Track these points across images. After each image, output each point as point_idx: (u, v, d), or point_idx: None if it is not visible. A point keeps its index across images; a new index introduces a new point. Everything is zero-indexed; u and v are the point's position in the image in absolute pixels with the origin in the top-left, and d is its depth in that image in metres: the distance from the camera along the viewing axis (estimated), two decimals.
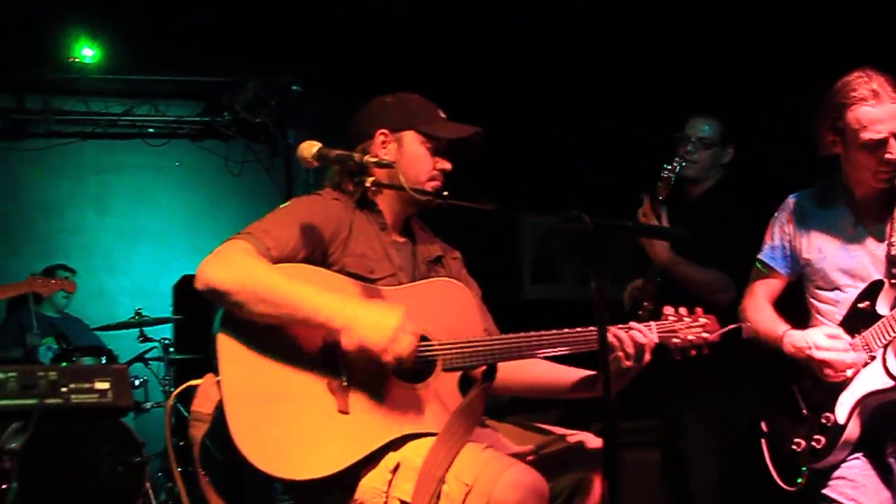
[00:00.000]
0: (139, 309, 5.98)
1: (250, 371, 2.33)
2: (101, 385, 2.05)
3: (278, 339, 2.36)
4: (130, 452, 5.22)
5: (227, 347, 2.34)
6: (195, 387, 2.36)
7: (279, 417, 2.31)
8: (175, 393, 2.44)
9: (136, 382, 5.79)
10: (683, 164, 3.95)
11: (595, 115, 6.40)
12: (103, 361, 5.37)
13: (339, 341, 2.32)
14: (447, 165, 2.69)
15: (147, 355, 6.08)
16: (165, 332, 6.41)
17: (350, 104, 2.89)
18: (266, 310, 2.31)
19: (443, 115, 2.74)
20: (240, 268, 2.33)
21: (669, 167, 3.91)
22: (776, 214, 3.24)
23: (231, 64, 6.75)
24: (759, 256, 3.26)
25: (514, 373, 2.70)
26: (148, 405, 5.85)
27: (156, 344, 6.07)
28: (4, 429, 5.08)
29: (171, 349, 6.03)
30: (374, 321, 2.31)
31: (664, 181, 3.90)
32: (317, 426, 2.33)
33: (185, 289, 7.12)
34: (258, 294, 2.30)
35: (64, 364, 4.79)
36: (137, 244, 7.45)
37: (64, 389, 1.99)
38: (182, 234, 7.48)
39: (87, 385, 2.04)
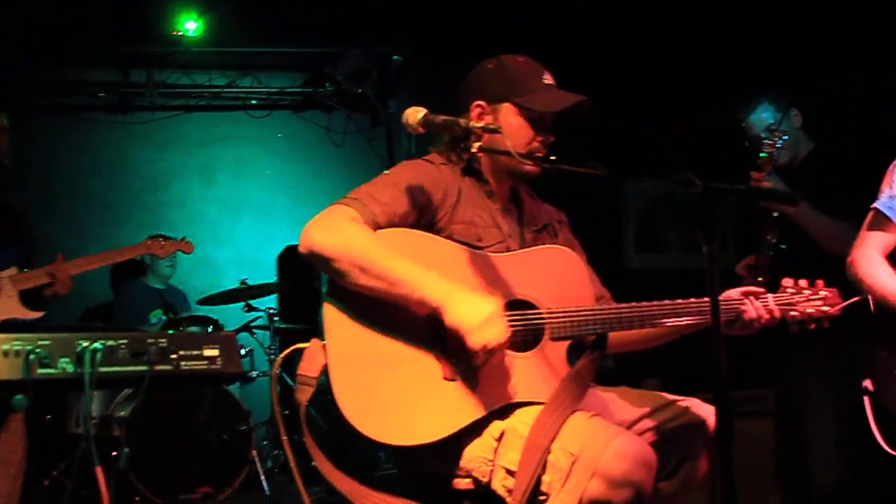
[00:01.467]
0: (244, 279, 6.08)
1: (356, 336, 2.35)
2: (210, 352, 2.07)
3: (384, 305, 2.36)
4: (236, 420, 5.37)
5: (334, 312, 2.37)
6: (302, 350, 2.40)
7: (384, 383, 2.32)
8: (283, 355, 2.47)
9: (242, 352, 5.93)
10: (775, 153, 3.84)
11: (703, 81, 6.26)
12: (209, 331, 5.53)
13: (440, 318, 2.32)
14: (549, 137, 2.64)
15: (252, 325, 6.20)
16: (270, 301, 6.51)
17: (451, 73, 2.86)
18: (365, 281, 2.32)
19: (548, 81, 2.66)
20: (343, 235, 2.33)
21: (767, 146, 3.81)
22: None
23: (332, 34, 6.76)
24: (876, 205, 3.11)
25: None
26: (253, 374, 5.96)
27: (261, 313, 6.17)
28: (113, 397, 5.27)
29: (276, 318, 6.12)
30: (467, 305, 2.29)
31: (765, 160, 3.80)
32: (422, 392, 2.33)
33: (288, 259, 7.25)
34: (359, 264, 2.31)
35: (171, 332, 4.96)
36: (242, 215, 7.56)
37: (173, 356, 2.01)
38: (285, 205, 7.56)
39: (196, 352, 2.05)
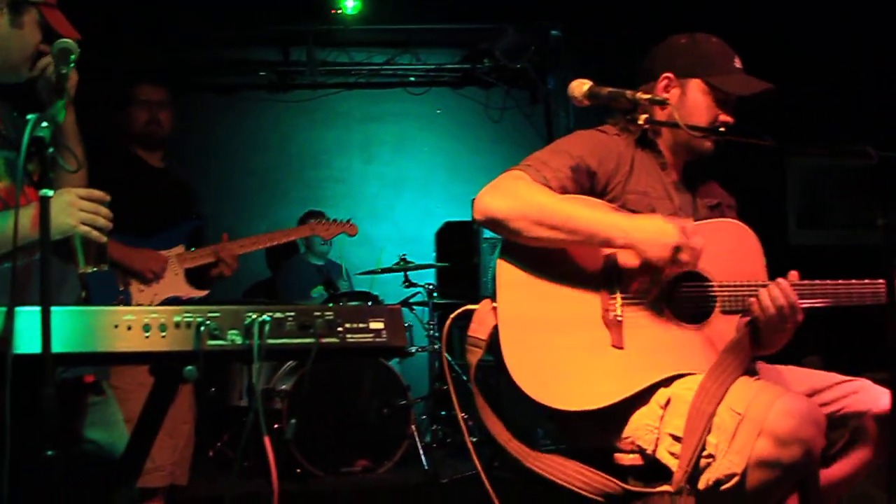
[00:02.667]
0: (403, 255, 6.12)
1: (527, 298, 2.38)
2: (376, 325, 2.06)
3: (556, 267, 2.39)
4: (396, 395, 5.42)
5: (505, 274, 2.40)
6: (472, 312, 2.43)
7: (553, 346, 2.34)
8: (454, 315, 2.48)
9: None
10: None
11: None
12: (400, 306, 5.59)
13: (618, 261, 2.34)
14: (729, 119, 2.60)
15: (411, 300, 6.25)
16: (428, 277, 6.55)
17: (610, 48, 2.81)
18: (545, 233, 2.33)
19: (738, 65, 2.62)
20: (517, 195, 2.36)
21: None
22: None
23: (490, 10, 6.71)
24: None
25: None
26: (413, 349, 6.01)
27: (420, 289, 6.21)
28: (275, 371, 5.41)
29: (435, 294, 6.15)
30: (656, 228, 2.31)
31: None
32: (590, 358, 2.35)
33: (447, 235, 7.27)
34: (536, 217, 2.33)
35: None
36: (401, 191, 7.63)
37: (339, 329, 2.01)
38: (443, 182, 7.59)
39: (361, 325, 2.05)
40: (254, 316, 1.95)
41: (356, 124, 7.66)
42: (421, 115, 7.70)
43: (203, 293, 4.08)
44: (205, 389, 5.45)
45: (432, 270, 6.69)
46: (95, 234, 2.18)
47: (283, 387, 5.21)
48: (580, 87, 2.45)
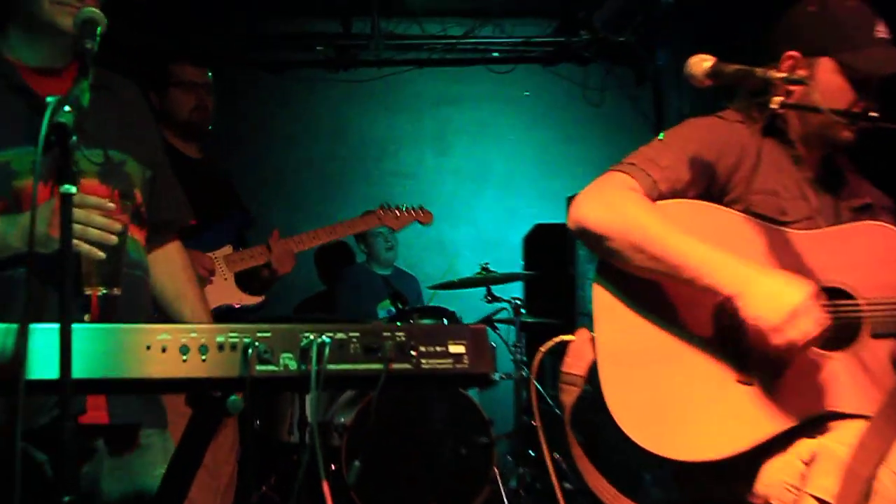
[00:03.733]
0: (485, 264, 6.08)
1: (631, 325, 2.38)
2: (456, 348, 2.04)
3: (666, 290, 2.38)
4: (476, 431, 5.37)
5: (604, 298, 2.41)
6: (566, 343, 2.44)
7: (665, 383, 2.33)
8: (545, 348, 2.49)
9: None
10: None
11: None
12: (445, 323, 5.57)
13: (734, 307, 2.27)
14: (871, 104, 2.51)
15: (494, 318, 6.21)
16: (515, 290, 6.52)
17: (731, 16, 2.74)
18: (644, 262, 2.33)
19: (881, 34, 2.52)
20: (618, 208, 2.35)
21: None
22: None
23: None
24: None
25: None
26: (497, 377, 5.96)
27: (504, 305, 6.18)
28: (332, 401, 5.41)
29: (523, 311, 6.10)
30: (770, 292, 2.22)
31: None
32: (711, 397, 2.32)
33: (537, 240, 7.23)
34: (637, 242, 2.32)
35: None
36: (482, 188, 7.64)
37: (413, 353, 1.99)
38: (532, 177, 7.59)
39: (439, 348, 2.02)
40: (311, 336, 1.93)
41: (429, 108, 7.69)
42: (506, 98, 7.72)
43: (258, 299, 4.12)
44: (249, 423, 5.48)
45: (519, 283, 6.64)
46: (86, 248, 2.17)
47: (343, 420, 5.20)
48: (700, 63, 2.39)
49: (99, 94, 2.05)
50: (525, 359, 5.95)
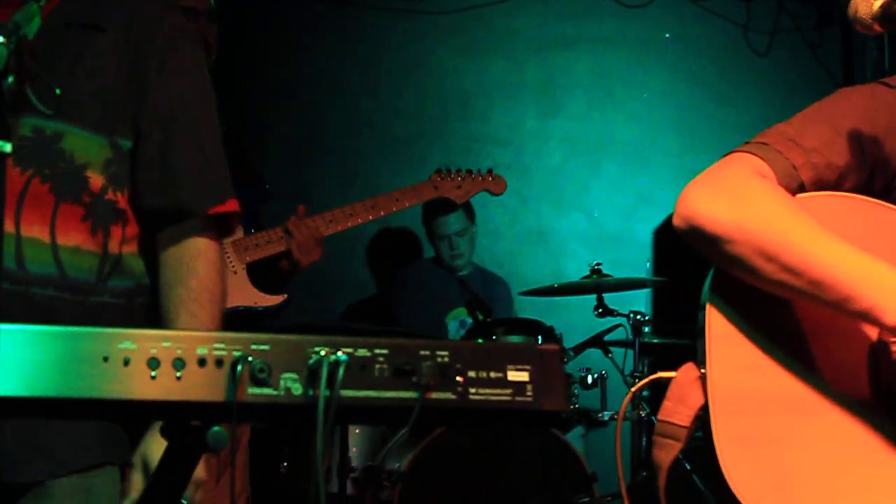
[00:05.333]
0: (598, 265, 6.07)
1: (758, 364, 2.34)
2: (517, 375, 2.02)
3: (807, 315, 2.34)
4: (574, 487, 5.36)
5: (721, 324, 2.37)
6: (667, 382, 2.43)
7: (806, 448, 2.30)
8: (635, 388, 2.53)
9: (590, 379, 5.93)
10: None
11: None
12: (528, 343, 5.55)
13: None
14: None
15: (607, 337, 6.21)
16: (638, 302, 6.49)
17: None
18: (777, 274, 2.29)
19: None
20: (744, 201, 2.33)
21: None
22: None
23: None
24: None
25: None
26: (605, 416, 5.94)
27: (621, 320, 6.16)
28: (386, 439, 5.44)
29: (646, 329, 6.08)
30: None
31: None
32: (860, 464, 2.29)
33: (672, 236, 7.16)
34: (767, 248, 2.28)
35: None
36: (598, 162, 7.65)
37: (459, 379, 1.98)
38: (670, 150, 7.57)
39: (494, 374, 2.01)
40: (323, 353, 1.94)
41: (528, 54, 7.69)
42: (636, 41, 7.70)
43: (279, 299, 4.14)
44: (269, 464, 5.53)
45: (644, 292, 6.62)
46: None
47: (396, 465, 5.24)
48: (867, 1, 2.34)
49: (70, 33, 2.07)
50: (647, 393, 5.92)
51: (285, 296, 4.16)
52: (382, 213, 4.52)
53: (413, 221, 6.90)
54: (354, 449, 5.47)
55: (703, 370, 2.36)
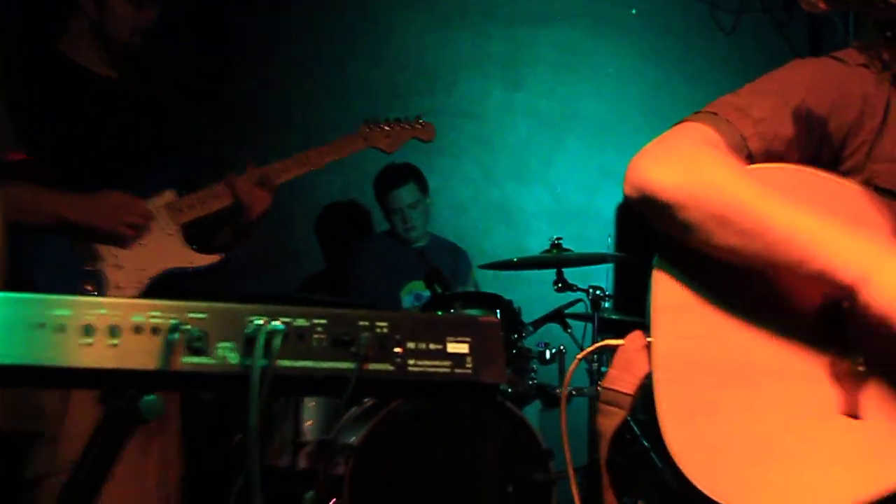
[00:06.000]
0: (558, 239, 6.05)
1: (704, 332, 2.36)
2: (457, 347, 2.03)
3: (756, 282, 2.34)
4: (530, 464, 5.35)
5: (668, 292, 2.41)
6: (613, 349, 2.46)
7: (747, 412, 2.31)
8: (581, 356, 2.54)
9: (548, 354, 5.92)
10: None
11: None
12: (497, 315, 5.55)
13: (854, 301, 2.23)
14: None
15: (567, 311, 6.21)
16: (598, 277, 6.49)
17: None
18: (729, 239, 2.29)
19: None
20: (696, 167, 2.33)
21: None
22: None
23: None
24: None
25: None
26: (563, 391, 5.93)
27: (581, 295, 6.16)
28: (338, 413, 5.42)
29: (606, 304, 6.10)
30: None
31: None
32: (808, 433, 2.29)
33: (635, 213, 7.19)
34: (720, 212, 2.28)
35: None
36: (565, 138, 7.66)
37: (398, 350, 1.99)
38: (635, 126, 7.61)
39: (434, 346, 2.02)
40: (260, 322, 1.94)
41: (498, 28, 7.69)
42: (604, 16, 7.73)
43: (213, 259, 4.12)
44: (222, 434, 5.52)
45: (605, 267, 6.65)
46: None
47: (352, 440, 5.22)
48: None
49: None
50: (604, 369, 5.92)
51: (220, 256, 4.13)
52: (313, 167, 4.50)
53: (367, 197, 6.89)
54: (309, 422, 5.46)
55: (649, 338, 2.39)
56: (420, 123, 4.98)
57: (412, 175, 6.63)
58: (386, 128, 4.89)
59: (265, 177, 4.26)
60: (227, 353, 1.91)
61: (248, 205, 4.20)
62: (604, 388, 2.44)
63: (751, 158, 2.41)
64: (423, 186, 6.68)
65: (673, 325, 2.38)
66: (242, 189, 4.18)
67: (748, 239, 2.27)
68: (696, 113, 2.47)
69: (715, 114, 2.43)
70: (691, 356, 2.35)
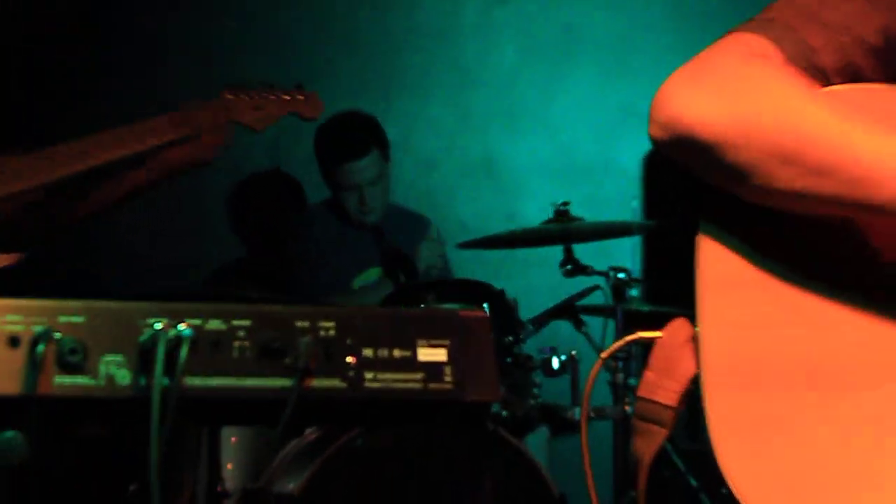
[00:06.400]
0: (564, 204, 6.06)
1: (767, 316, 2.37)
2: (431, 353, 2.02)
3: (836, 244, 2.37)
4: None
5: (718, 265, 2.41)
6: (648, 346, 2.45)
7: (829, 430, 2.32)
8: (605, 355, 2.60)
9: (556, 363, 5.93)
10: None
11: None
12: (486, 310, 5.53)
13: None
14: None
15: (579, 304, 6.25)
16: (622, 255, 6.55)
17: None
18: (797, 182, 2.27)
19: None
20: (745, 91, 2.33)
21: None
22: None
23: None
24: None
25: None
26: (578, 413, 5.93)
27: (599, 280, 6.21)
28: (268, 451, 5.43)
29: (633, 292, 6.12)
30: None
31: None
32: (884, 443, 2.31)
33: (669, 165, 7.21)
34: (783, 149, 2.27)
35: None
36: (565, 65, 7.71)
37: (350, 360, 1.97)
38: (662, 42, 7.65)
39: (399, 352, 2.01)
40: (158, 325, 1.93)
41: None
42: None
43: (9, 260, 4.14)
44: (110, 482, 5.53)
45: (631, 241, 6.70)
46: None
47: (289, 486, 5.23)
48: None
49: None
50: (634, 382, 5.94)
51: (17, 256, 4.15)
52: (134, 149, 4.45)
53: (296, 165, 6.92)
54: (230, 465, 5.45)
55: (696, 329, 2.38)
56: (301, 94, 4.95)
57: (373, 138, 6.57)
58: (256, 97, 4.86)
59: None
60: (114, 371, 1.91)
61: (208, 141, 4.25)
62: (639, 398, 2.45)
63: (825, 78, 2.39)
64: (385, 152, 6.64)
65: (727, 308, 2.38)
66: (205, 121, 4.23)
67: (823, 179, 2.26)
68: (745, 22, 2.44)
69: (771, 20, 2.41)
70: (753, 351, 2.35)
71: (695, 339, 2.39)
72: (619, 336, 6.05)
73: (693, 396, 2.37)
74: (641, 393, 2.44)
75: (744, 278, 2.38)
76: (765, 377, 2.33)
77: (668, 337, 2.43)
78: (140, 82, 6.84)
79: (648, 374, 2.44)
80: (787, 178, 2.27)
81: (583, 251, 6.20)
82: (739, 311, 2.37)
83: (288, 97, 4.92)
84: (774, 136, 2.27)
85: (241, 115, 4.77)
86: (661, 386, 2.42)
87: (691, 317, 2.38)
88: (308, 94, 4.96)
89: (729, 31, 2.42)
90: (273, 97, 4.87)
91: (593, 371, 2.57)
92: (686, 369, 2.40)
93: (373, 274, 6.39)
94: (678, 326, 2.42)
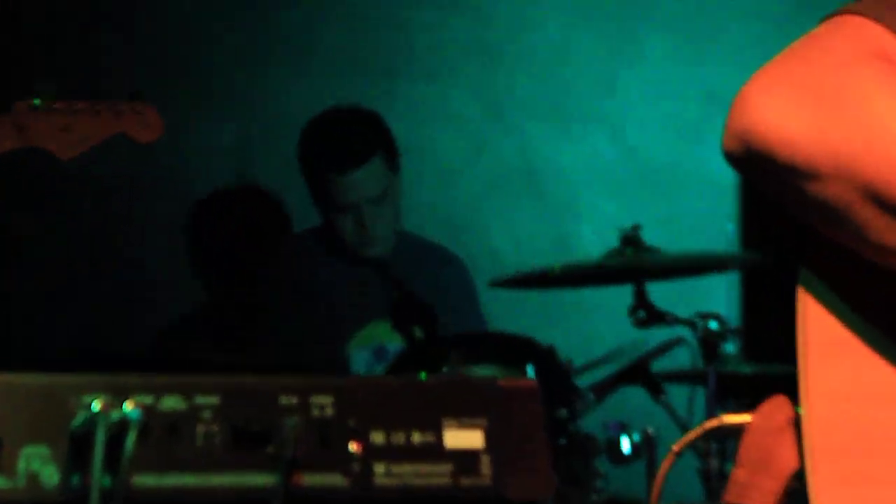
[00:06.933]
0: (634, 228, 6.09)
1: (883, 394, 2.37)
2: (463, 437, 2.03)
3: None
4: None
5: (824, 326, 2.41)
6: (737, 432, 2.53)
7: None
8: (677, 448, 2.73)
9: (626, 445, 5.95)
10: None
11: None
12: (531, 375, 5.56)
13: None
14: None
15: (657, 365, 6.27)
16: (714, 297, 6.56)
17: None
18: (886, 231, 2.29)
19: None
20: (846, 105, 2.33)
21: None
22: None
23: None
24: None
25: None
26: None
27: (683, 332, 6.22)
28: None
29: (729, 348, 6.11)
30: None
31: None
32: None
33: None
34: (872, 186, 2.28)
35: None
36: (631, 43, 7.75)
37: (354, 447, 1.99)
38: (758, 16, 7.62)
39: (420, 436, 2.02)
40: (97, 405, 1.95)
41: None
42: None
43: None
44: None
45: (725, 279, 6.69)
46: None
47: None
48: None
49: None
50: (728, 466, 5.96)
51: None
52: None
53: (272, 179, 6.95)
54: None
55: (797, 408, 2.39)
56: (134, 109, 4.87)
57: (375, 140, 6.54)
58: (65, 113, 4.79)
59: None
60: (37, 467, 1.92)
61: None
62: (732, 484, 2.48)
63: None
64: (392, 159, 6.61)
65: (837, 380, 2.39)
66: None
67: None
68: (853, 3, 2.44)
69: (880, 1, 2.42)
70: (873, 435, 2.37)
71: (796, 423, 2.41)
72: (711, 406, 6.05)
73: (797, 498, 2.38)
74: (731, 498, 2.49)
75: (855, 341, 2.39)
76: (891, 468, 2.34)
77: (762, 421, 2.49)
78: None
79: (738, 472, 2.49)
80: (883, 229, 2.30)
81: (660, 292, 6.22)
82: (852, 382, 2.39)
83: (112, 112, 4.84)
84: (871, 172, 2.28)
85: (39, 136, 4.70)
86: (755, 485, 2.47)
87: (791, 391, 2.39)
88: (143, 107, 4.85)
89: (836, 11, 2.43)
90: (91, 113, 4.78)
91: (663, 467, 2.56)
92: (786, 463, 2.44)
93: (377, 332, 6.39)
94: (774, 407, 2.50)
